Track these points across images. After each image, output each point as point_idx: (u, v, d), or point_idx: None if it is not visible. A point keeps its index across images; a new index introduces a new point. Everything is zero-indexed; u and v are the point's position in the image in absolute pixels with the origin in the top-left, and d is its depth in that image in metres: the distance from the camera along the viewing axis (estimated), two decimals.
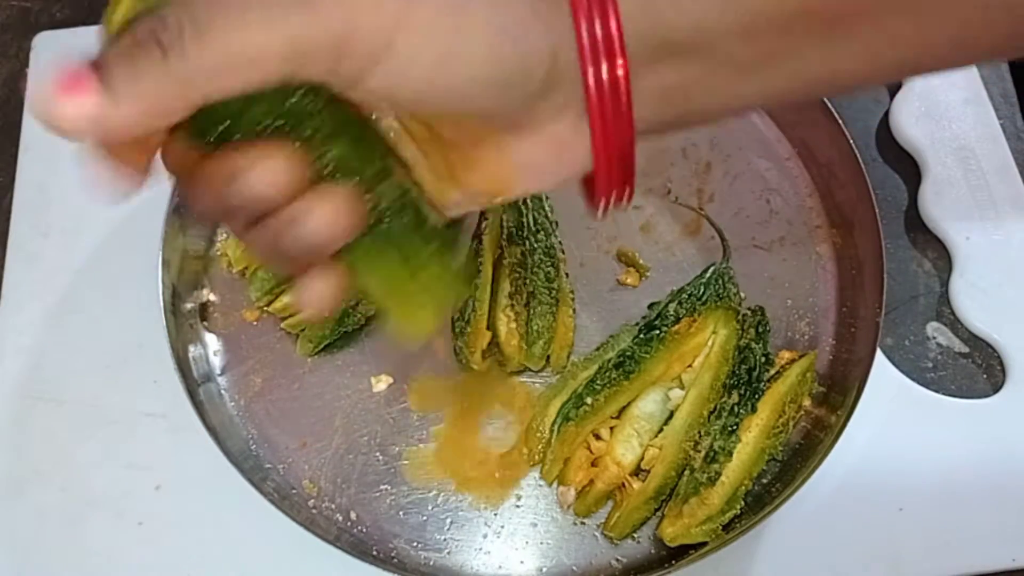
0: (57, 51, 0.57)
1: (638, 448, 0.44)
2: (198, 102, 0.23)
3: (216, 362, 0.48)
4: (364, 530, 0.44)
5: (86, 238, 0.52)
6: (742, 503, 0.42)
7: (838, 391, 0.46)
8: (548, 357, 0.47)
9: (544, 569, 0.43)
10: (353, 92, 0.24)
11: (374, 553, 0.43)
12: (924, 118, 0.54)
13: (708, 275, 0.48)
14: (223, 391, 0.47)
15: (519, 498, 0.44)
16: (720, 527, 0.42)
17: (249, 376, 0.47)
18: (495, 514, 0.44)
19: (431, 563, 0.43)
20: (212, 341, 0.48)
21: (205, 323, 0.48)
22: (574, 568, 0.43)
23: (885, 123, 0.55)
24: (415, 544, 0.44)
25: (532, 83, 0.25)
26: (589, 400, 0.44)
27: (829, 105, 0.49)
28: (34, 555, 0.45)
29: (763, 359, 0.45)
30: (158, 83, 0.22)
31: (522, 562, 0.43)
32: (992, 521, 0.44)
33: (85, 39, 0.58)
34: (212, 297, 0.49)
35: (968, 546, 0.44)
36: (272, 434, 0.46)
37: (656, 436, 0.44)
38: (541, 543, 0.44)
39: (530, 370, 0.47)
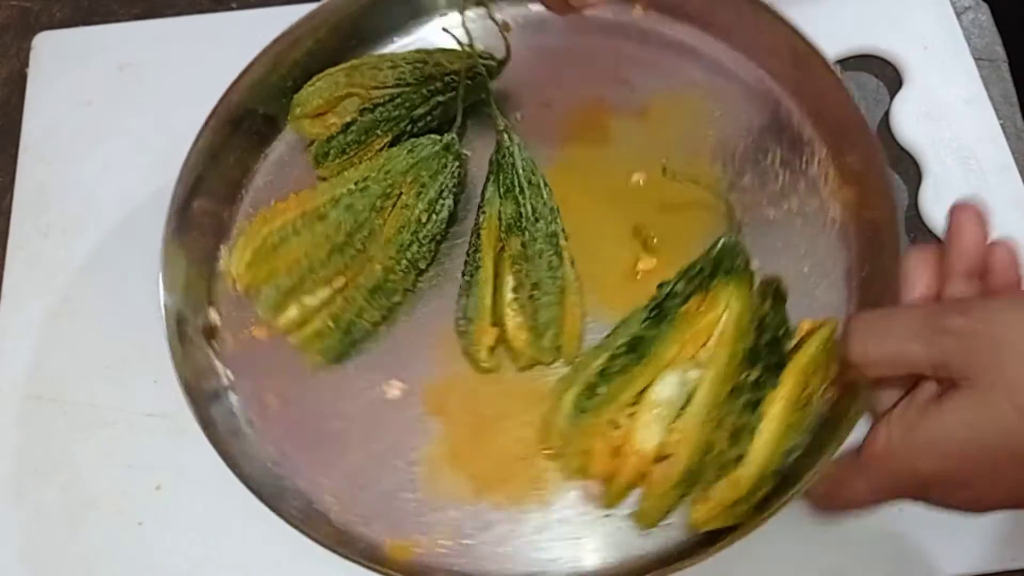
0: (57, 51, 0.57)
1: (659, 434, 0.42)
2: None
3: (228, 384, 0.47)
4: (388, 540, 0.43)
5: (86, 238, 0.52)
6: (773, 481, 0.40)
7: None
8: (559, 348, 0.46)
9: (576, 564, 0.42)
10: None
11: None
12: (924, 118, 0.54)
13: (716, 249, 0.45)
14: (236, 412, 0.46)
15: (545, 494, 0.44)
16: (752, 508, 0.40)
17: (263, 394, 0.46)
18: (521, 513, 0.43)
19: (459, 569, 0.42)
20: (223, 362, 0.47)
21: (214, 344, 0.47)
22: (607, 560, 0.42)
23: (885, 123, 0.55)
24: (441, 551, 0.43)
25: None
26: (602, 389, 0.42)
27: (831, 67, 0.48)
28: (34, 555, 0.45)
29: (782, 331, 0.43)
30: None
31: (552, 559, 0.42)
32: (992, 521, 0.44)
33: (85, 39, 0.58)
34: (219, 317, 0.48)
35: (968, 546, 0.44)
36: (290, 451, 0.45)
37: (676, 420, 0.42)
38: (571, 538, 0.43)
39: (542, 363, 0.46)
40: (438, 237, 0.48)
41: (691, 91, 0.53)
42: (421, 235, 0.47)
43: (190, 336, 0.46)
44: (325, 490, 0.44)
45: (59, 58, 0.57)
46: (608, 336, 0.45)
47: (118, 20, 0.59)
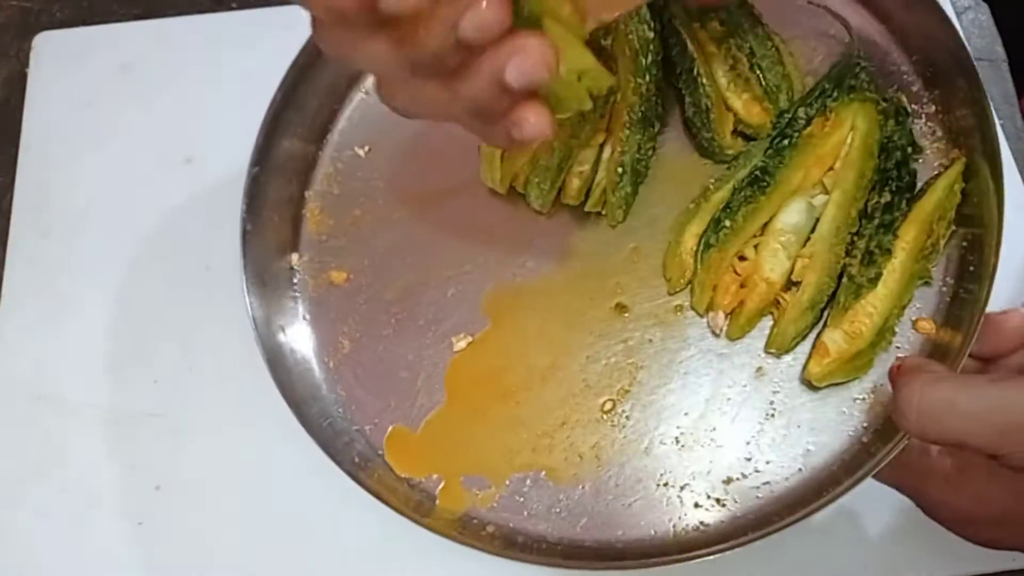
0: (57, 51, 0.57)
1: (786, 261, 0.43)
2: None
3: (304, 327, 0.46)
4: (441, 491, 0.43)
5: (86, 238, 0.52)
6: (892, 336, 0.41)
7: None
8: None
9: (614, 534, 0.42)
10: None
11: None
12: None
13: (838, 67, 0.45)
14: (308, 354, 0.46)
15: (601, 453, 0.43)
16: (872, 361, 0.41)
17: (338, 339, 0.46)
18: (574, 476, 0.43)
19: (509, 525, 0.42)
20: (300, 304, 0.47)
21: (294, 288, 0.47)
22: (650, 533, 0.42)
23: None
24: (493, 506, 0.43)
25: None
26: (728, 223, 0.43)
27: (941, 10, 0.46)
28: (34, 555, 0.45)
29: (909, 149, 0.43)
30: None
31: (599, 525, 0.42)
32: None
33: (85, 39, 0.58)
34: (299, 261, 0.48)
35: (968, 546, 0.44)
36: (359, 395, 0.45)
37: (804, 246, 0.43)
38: (622, 506, 0.42)
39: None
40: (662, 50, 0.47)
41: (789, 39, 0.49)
42: (654, 50, 0.46)
43: (266, 279, 0.45)
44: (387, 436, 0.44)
45: (59, 58, 0.57)
46: (729, 168, 0.45)
47: (118, 20, 0.59)
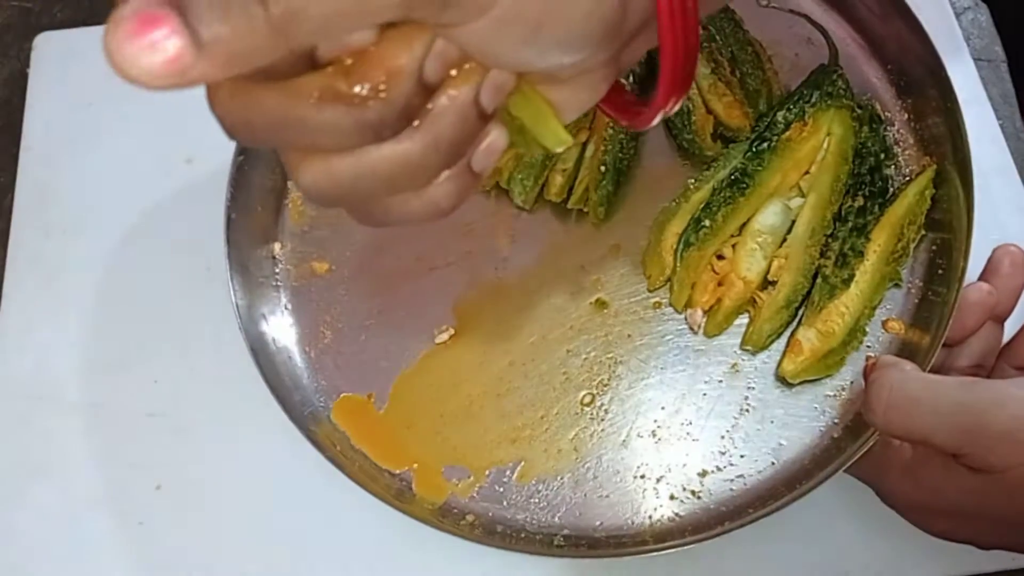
0: (58, 52, 0.58)
1: (763, 261, 0.44)
2: (293, 48, 0.21)
3: (285, 313, 0.47)
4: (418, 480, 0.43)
5: (87, 238, 0.52)
6: (863, 336, 0.43)
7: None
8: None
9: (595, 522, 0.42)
10: (451, 38, 0.24)
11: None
12: None
13: (816, 74, 0.47)
14: (290, 342, 0.46)
15: (580, 446, 0.43)
16: (844, 359, 0.42)
17: (320, 329, 0.46)
18: (556, 464, 0.43)
19: (489, 514, 0.43)
20: (282, 293, 0.47)
21: (276, 278, 0.47)
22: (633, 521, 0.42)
23: None
24: (473, 495, 0.43)
25: (622, 30, 0.25)
26: (707, 223, 0.44)
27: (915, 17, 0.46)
28: (34, 555, 0.45)
29: (882, 155, 0.45)
30: (252, 25, 0.20)
31: (579, 516, 0.42)
32: None
33: (86, 40, 0.58)
34: (281, 251, 0.48)
35: (968, 546, 0.44)
36: (340, 386, 0.45)
37: (780, 247, 0.45)
38: (601, 496, 0.43)
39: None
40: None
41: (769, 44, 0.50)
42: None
43: (249, 267, 0.46)
44: None
45: (60, 58, 0.57)
46: (708, 170, 0.46)
47: None
